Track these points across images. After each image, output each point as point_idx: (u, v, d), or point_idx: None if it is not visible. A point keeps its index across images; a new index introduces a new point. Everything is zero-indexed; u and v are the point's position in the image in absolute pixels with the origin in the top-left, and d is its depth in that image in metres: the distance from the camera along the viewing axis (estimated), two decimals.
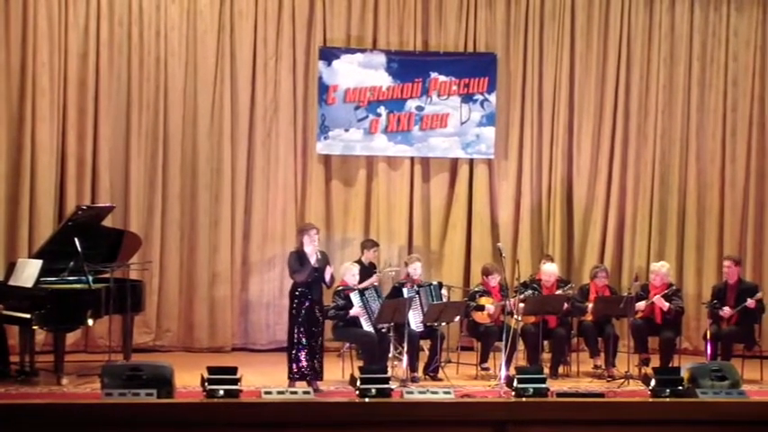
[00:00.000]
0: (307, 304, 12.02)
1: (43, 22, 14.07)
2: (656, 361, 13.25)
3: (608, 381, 13.14)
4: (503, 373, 12.32)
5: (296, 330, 12.00)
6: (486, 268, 13.83)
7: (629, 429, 8.29)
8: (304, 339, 11.96)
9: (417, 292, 13.25)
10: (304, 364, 11.93)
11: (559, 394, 9.24)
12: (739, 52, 15.75)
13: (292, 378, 11.96)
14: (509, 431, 8.05)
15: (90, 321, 12.24)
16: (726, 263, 13.84)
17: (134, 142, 14.46)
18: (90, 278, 12.16)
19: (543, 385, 8.98)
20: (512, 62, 15.56)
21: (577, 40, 15.64)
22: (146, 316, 14.12)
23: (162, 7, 14.56)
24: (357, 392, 8.60)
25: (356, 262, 13.58)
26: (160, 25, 14.56)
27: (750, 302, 13.38)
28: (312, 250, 12.10)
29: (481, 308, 13.41)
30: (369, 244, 14.49)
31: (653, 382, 9.21)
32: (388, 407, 8.28)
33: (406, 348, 12.50)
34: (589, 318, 13.61)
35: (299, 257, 12.13)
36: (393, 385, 8.93)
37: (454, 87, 15.34)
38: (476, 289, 13.82)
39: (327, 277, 12.17)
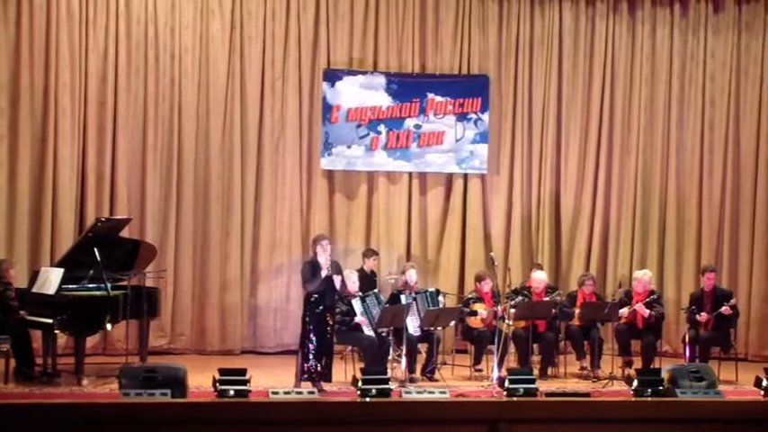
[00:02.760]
0: (320, 310, 11.99)
1: (65, 47, 14.12)
2: (638, 363, 13.27)
3: (593, 381, 13.14)
4: (495, 374, 12.33)
5: (307, 334, 11.96)
6: (478, 274, 13.84)
7: (613, 427, 8.33)
8: (315, 343, 11.91)
9: (414, 299, 13.27)
10: (313, 365, 11.91)
11: (548, 394, 9.26)
12: (716, 73, 15.73)
13: (301, 378, 11.93)
14: (501, 429, 8.09)
15: (108, 326, 12.28)
16: (709, 275, 13.78)
17: (150, 158, 14.49)
18: (108, 285, 12.17)
19: (533, 386, 9.02)
20: (503, 83, 15.58)
21: (565, 62, 15.64)
22: (161, 321, 14.13)
23: (176, 32, 14.60)
24: (359, 392, 8.63)
25: (357, 270, 13.61)
26: (175, 49, 14.60)
27: (725, 309, 13.41)
28: (324, 259, 12.08)
29: (474, 313, 13.43)
30: (369, 253, 14.53)
31: (635, 383, 9.24)
32: (387, 406, 8.32)
33: (404, 351, 12.53)
34: (576, 322, 13.63)
35: (312, 267, 12.08)
36: (392, 386, 8.95)
37: (449, 107, 15.36)
38: (469, 295, 13.82)
39: (337, 285, 12.09)
